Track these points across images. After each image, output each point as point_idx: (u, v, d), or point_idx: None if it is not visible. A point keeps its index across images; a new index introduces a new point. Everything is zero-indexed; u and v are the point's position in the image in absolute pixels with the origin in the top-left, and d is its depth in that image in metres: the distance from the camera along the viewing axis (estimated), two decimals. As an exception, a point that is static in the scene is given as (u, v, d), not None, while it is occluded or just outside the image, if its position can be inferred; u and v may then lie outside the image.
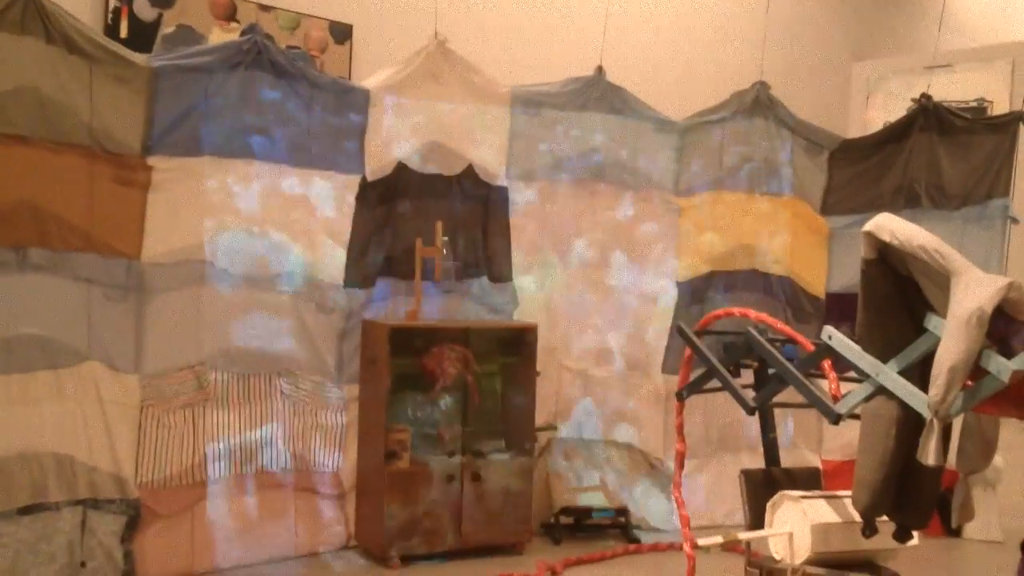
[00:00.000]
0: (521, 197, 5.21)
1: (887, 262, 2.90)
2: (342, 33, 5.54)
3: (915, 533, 3.13)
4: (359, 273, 4.79)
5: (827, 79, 8.14)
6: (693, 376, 3.88)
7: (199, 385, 4.34)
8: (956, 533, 5.30)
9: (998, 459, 5.07)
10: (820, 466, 5.32)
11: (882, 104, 8.19)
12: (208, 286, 4.38)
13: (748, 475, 3.68)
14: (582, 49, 5.50)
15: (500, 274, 5.15)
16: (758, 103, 5.66)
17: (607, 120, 5.38)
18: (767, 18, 6.12)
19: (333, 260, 4.73)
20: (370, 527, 4.63)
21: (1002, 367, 2.60)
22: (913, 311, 2.91)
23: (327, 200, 4.72)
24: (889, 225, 2.85)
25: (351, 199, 4.76)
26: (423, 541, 4.58)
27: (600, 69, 5.37)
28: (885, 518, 3.04)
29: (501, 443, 4.93)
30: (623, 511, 5.17)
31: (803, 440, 5.63)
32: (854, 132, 7.10)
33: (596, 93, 5.35)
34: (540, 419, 5.03)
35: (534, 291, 5.25)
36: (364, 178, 4.79)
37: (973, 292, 2.63)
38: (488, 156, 5.12)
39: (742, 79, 5.77)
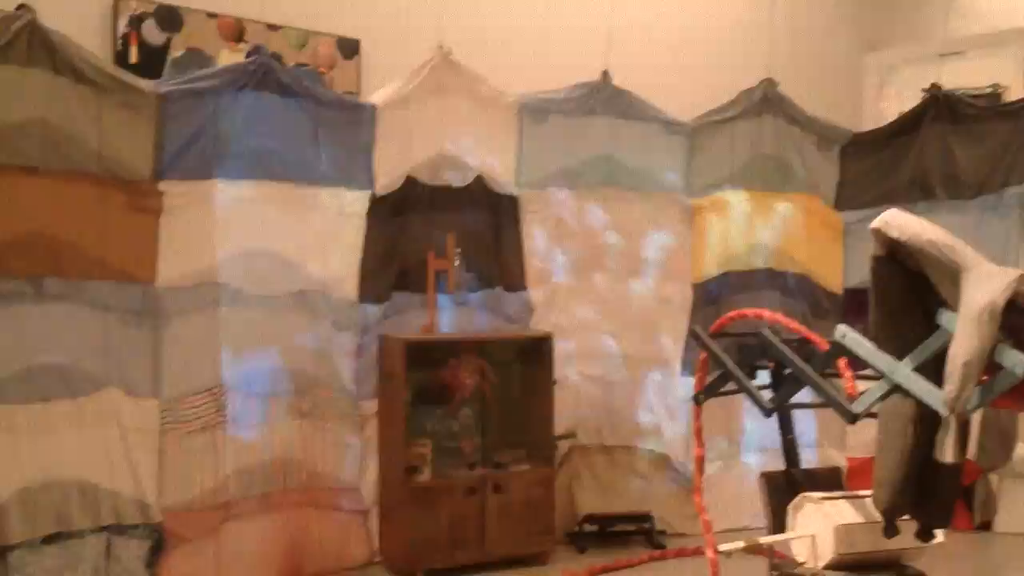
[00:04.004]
0: (532, 205, 5.20)
1: (897, 258, 2.87)
2: (350, 48, 5.54)
3: (938, 531, 3.09)
4: (373, 288, 4.79)
5: (838, 72, 8.05)
6: (710, 379, 3.86)
7: (218, 407, 4.36)
8: (986, 527, 5.23)
9: (1025, 449, 5.00)
10: (845, 463, 5.27)
11: (896, 94, 8.10)
12: (223, 308, 4.40)
13: (768, 477, 3.65)
14: (587, 54, 5.46)
15: (514, 283, 5.14)
16: (766, 100, 5.64)
17: (615, 124, 5.37)
18: (772, 13, 6.08)
19: (347, 276, 4.74)
20: (394, 542, 4.63)
21: (1017, 361, 2.56)
22: (926, 307, 2.87)
23: (338, 217, 4.73)
24: (896, 221, 2.81)
25: (362, 214, 4.77)
26: (447, 554, 4.58)
27: (606, 73, 5.36)
28: (908, 517, 3.01)
29: (521, 453, 4.91)
30: (647, 517, 5.15)
31: (826, 438, 5.58)
32: (869, 124, 7.01)
33: (603, 98, 5.34)
34: (559, 427, 5.01)
35: (549, 299, 5.24)
36: (374, 193, 4.80)
37: (984, 286, 2.59)
38: (497, 166, 5.12)
39: (750, 77, 5.74)
